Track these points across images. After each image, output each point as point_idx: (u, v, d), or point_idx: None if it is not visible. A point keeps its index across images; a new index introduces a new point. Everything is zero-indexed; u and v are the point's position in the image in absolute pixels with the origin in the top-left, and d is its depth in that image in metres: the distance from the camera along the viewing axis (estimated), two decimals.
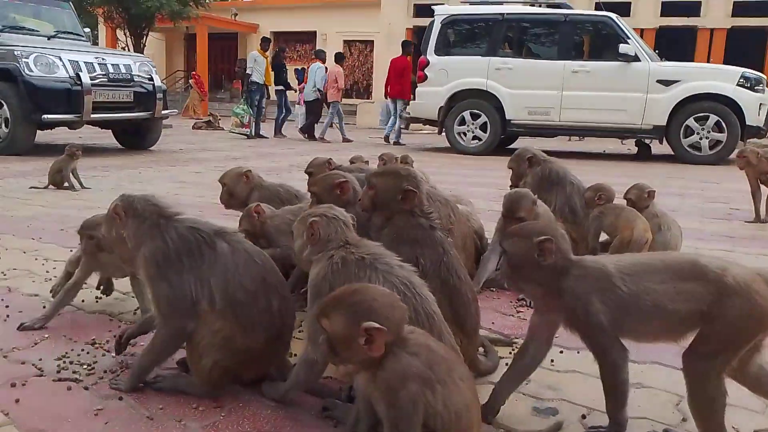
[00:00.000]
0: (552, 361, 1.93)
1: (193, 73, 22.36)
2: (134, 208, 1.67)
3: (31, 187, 5.23)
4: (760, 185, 4.52)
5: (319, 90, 13.00)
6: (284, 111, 13.70)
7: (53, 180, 5.25)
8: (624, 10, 16.44)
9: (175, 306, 1.59)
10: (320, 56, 13.67)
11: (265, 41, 13.19)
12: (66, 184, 5.24)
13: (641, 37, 11.51)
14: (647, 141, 10.41)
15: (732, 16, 17.54)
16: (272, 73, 13.11)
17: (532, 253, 1.41)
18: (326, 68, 13.16)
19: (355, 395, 1.36)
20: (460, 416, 1.14)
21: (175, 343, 1.65)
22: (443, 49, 10.49)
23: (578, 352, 2.01)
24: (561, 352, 2.00)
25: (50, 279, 2.62)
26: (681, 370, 1.38)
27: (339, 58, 13.51)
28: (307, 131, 13.35)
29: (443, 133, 10.64)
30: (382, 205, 1.84)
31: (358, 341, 1.10)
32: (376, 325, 1.09)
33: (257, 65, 12.58)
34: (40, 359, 1.83)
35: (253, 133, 12.75)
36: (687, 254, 1.51)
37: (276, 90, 13.53)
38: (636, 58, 9.32)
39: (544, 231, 1.45)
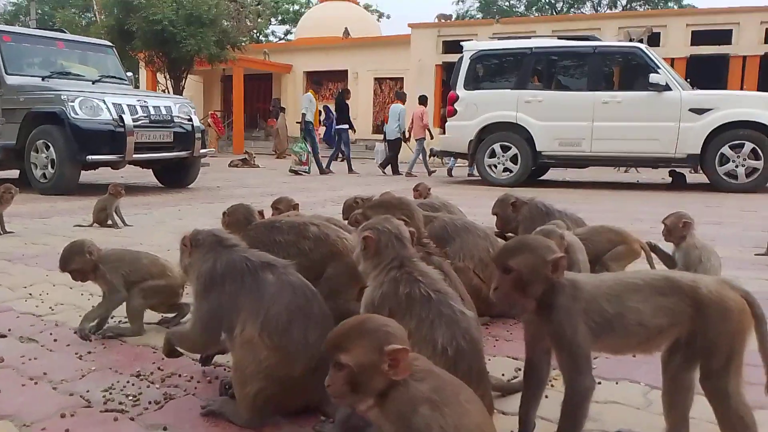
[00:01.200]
0: None
1: (211, 112, 22.97)
2: (197, 239, 1.83)
3: (75, 225, 5.43)
4: None
5: (403, 132, 13.60)
6: (347, 149, 14.17)
7: (98, 218, 5.44)
8: (654, 40, 16.42)
9: (205, 324, 1.74)
10: (401, 98, 14.17)
11: (317, 84, 13.73)
12: (109, 222, 5.42)
13: (672, 66, 11.48)
14: (682, 171, 10.28)
15: (765, 42, 17.33)
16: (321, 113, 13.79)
17: (544, 270, 1.40)
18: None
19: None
20: None
21: (193, 349, 1.92)
22: (472, 83, 10.62)
23: (616, 383, 2.00)
24: (599, 383, 1.98)
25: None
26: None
27: (423, 100, 14.08)
28: (385, 167, 13.85)
29: (474, 166, 10.69)
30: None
31: (381, 368, 1.10)
32: (400, 346, 1.11)
33: (311, 105, 13.03)
34: (88, 391, 1.89)
35: (309, 170, 13.20)
36: (659, 271, 1.54)
37: (338, 129, 14.00)
38: (667, 87, 9.28)
39: (552, 247, 1.45)
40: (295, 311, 1.66)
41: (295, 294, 1.69)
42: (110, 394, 1.86)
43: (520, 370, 2.09)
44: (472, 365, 1.44)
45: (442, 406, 1.12)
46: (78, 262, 2.42)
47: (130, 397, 1.84)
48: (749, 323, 1.41)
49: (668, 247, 3.08)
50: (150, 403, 1.81)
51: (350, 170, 13.78)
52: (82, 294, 3.08)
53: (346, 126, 14.15)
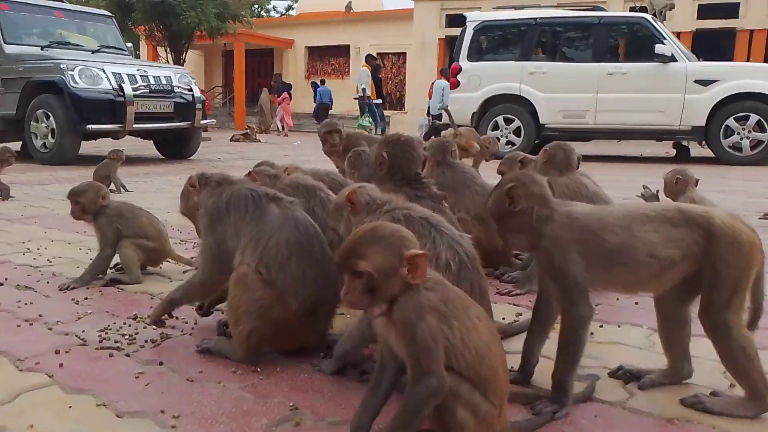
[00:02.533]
0: (592, 333, 1.89)
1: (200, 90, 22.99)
2: (205, 178, 1.84)
3: None
4: None
5: (445, 107, 13.49)
6: (383, 123, 14.16)
7: None
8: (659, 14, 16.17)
9: (215, 258, 1.70)
10: (446, 74, 14.04)
11: (371, 58, 13.71)
12: (112, 187, 5.39)
13: (678, 40, 11.29)
14: (685, 143, 10.18)
15: None
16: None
17: (504, 203, 1.43)
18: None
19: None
20: (482, 355, 1.11)
21: (203, 291, 1.82)
22: (476, 55, 10.46)
23: (619, 326, 1.98)
24: (601, 326, 1.97)
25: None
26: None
27: None
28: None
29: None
30: (373, 175, 1.93)
31: (400, 272, 1.09)
32: (420, 251, 1.10)
33: (369, 80, 13.02)
34: (83, 331, 1.88)
35: None
36: (670, 203, 1.50)
37: (377, 103, 13.95)
38: (673, 59, 9.13)
39: (513, 179, 1.46)
40: (296, 246, 1.62)
41: (297, 229, 1.65)
42: (106, 334, 1.85)
43: (521, 315, 2.07)
44: (474, 282, 1.42)
45: (451, 318, 1.11)
46: (88, 198, 2.48)
47: (126, 337, 1.82)
48: (758, 259, 1.36)
49: None
50: (146, 341, 1.79)
51: None
52: (80, 249, 3.06)
53: (380, 100, 14.14)
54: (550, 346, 1.75)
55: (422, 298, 1.10)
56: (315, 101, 20.94)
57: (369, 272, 1.08)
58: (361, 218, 1.58)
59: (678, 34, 15.70)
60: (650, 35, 9.40)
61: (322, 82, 21.77)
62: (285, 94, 20.40)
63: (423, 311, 1.09)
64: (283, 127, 19.72)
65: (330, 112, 21.31)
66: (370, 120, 13.18)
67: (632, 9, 15.37)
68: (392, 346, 1.15)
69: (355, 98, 14.04)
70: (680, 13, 17.61)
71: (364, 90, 13.07)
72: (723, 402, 1.41)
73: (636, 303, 2.17)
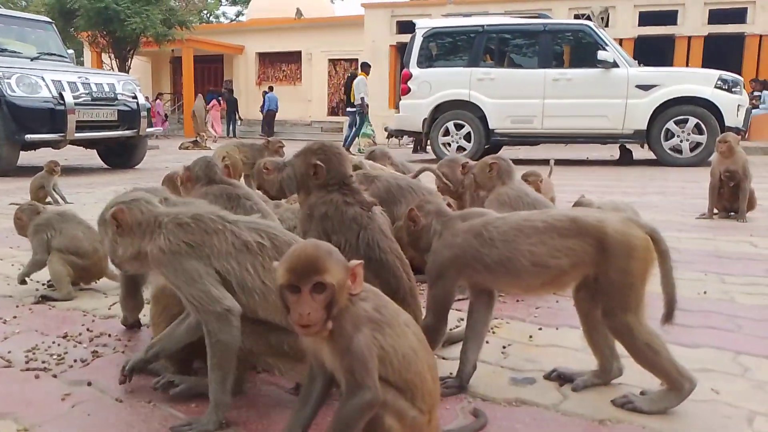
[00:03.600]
0: (530, 337, 1.92)
1: (145, 97, 22.60)
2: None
3: (11, 203, 5.18)
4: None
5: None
6: (357, 130, 13.91)
7: (35, 196, 5.20)
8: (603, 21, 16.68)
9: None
10: None
11: (366, 66, 13.50)
12: (49, 200, 5.20)
13: (620, 46, 11.67)
14: (629, 146, 10.52)
15: (708, 23, 17.82)
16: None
17: (410, 227, 1.63)
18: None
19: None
20: (409, 361, 1.11)
21: None
22: (426, 62, 10.56)
23: (557, 329, 2.01)
24: (540, 329, 2.00)
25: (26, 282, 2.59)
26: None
27: None
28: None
29: (428, 145, 10.70)
30: (300, 184, 1.83)
31: (347, 284, 1.08)
32: (358, 261, 1.11)
33: (366, 88, 12.74)
34: (9, 352, 1.79)
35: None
36: (566, 212, 1.55)
37: (351, 111, 13.74)
38: (615, 65, 9.43)
39: (413, 205, 1.66)
40: None
41: None
42: (33, 354, 1.77)
43: (462, 320, 2.08)
44: None
45: (384, 325, 1.11)
46: (17, 218, 2.51)
47: (55, 357, 1.75)
48: (652, 260, 1.42)
49: None
50: (75, 361, 1.72)
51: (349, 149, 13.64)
52: (12, 265, 2.93)
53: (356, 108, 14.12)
54: (488, 351, 1.78)
55: (358, 309, 1.10)
56: (264, 110, 21.07)
57: (332, 285, 1.05)
58: (130, 240, 1.43)
59: (620, 41, 16.25)
60: (593, 42, 9.68)
61: (270, 89, 22.18)
62: (213, 101, 20.40)
63: (360, 322, 1.08)
64: (221, 135, 19.69)
65: (276, 118, 21.34)
66: (373, 129, 12.89)
67: (576, 17, 15.82)
68: (323, 359, 1.13)
69: (350, 108, 13.62)
70: (622, 20, 18.23)
71: (363, 99, 12.76)
72: (650, 400, 1.44)
73: (562, 302, 2.21)
